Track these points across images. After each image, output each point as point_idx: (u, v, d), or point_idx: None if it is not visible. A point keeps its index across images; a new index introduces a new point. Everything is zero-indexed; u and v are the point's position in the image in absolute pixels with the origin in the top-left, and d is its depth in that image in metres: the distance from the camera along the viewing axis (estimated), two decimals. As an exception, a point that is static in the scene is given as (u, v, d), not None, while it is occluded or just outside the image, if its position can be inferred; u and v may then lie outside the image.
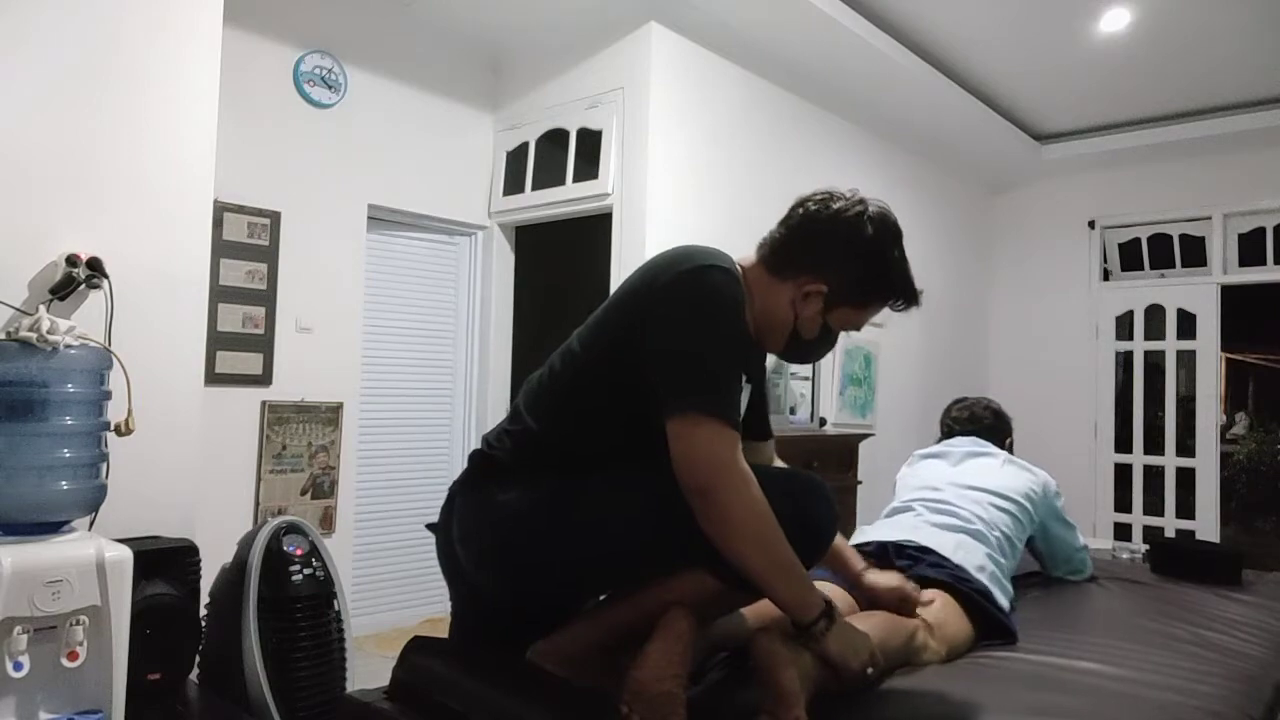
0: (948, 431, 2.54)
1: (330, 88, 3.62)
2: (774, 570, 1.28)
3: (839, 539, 1.73)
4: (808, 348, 1.52)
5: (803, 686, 1.23)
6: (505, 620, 1.49)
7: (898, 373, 5.28)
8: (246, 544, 2.24)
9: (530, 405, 1.44)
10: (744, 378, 1.41)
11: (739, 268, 1.45)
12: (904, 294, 1.49)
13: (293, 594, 2.18)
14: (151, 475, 2.23)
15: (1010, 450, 2.47)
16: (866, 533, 2.09)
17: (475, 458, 1.47)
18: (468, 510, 1.44)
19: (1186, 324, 5.61)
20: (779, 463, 1.72)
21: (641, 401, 1.32)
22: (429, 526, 1.53)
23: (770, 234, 1.50)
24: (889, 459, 4.85)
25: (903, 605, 1.64)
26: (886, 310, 1.52)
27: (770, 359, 1.66)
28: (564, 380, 1.43)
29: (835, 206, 1.45)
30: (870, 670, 1.36)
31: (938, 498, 2.11)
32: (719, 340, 1.31)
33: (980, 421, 2.49)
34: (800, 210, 1.48)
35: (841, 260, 1.44)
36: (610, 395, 1.37)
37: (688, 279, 1.33)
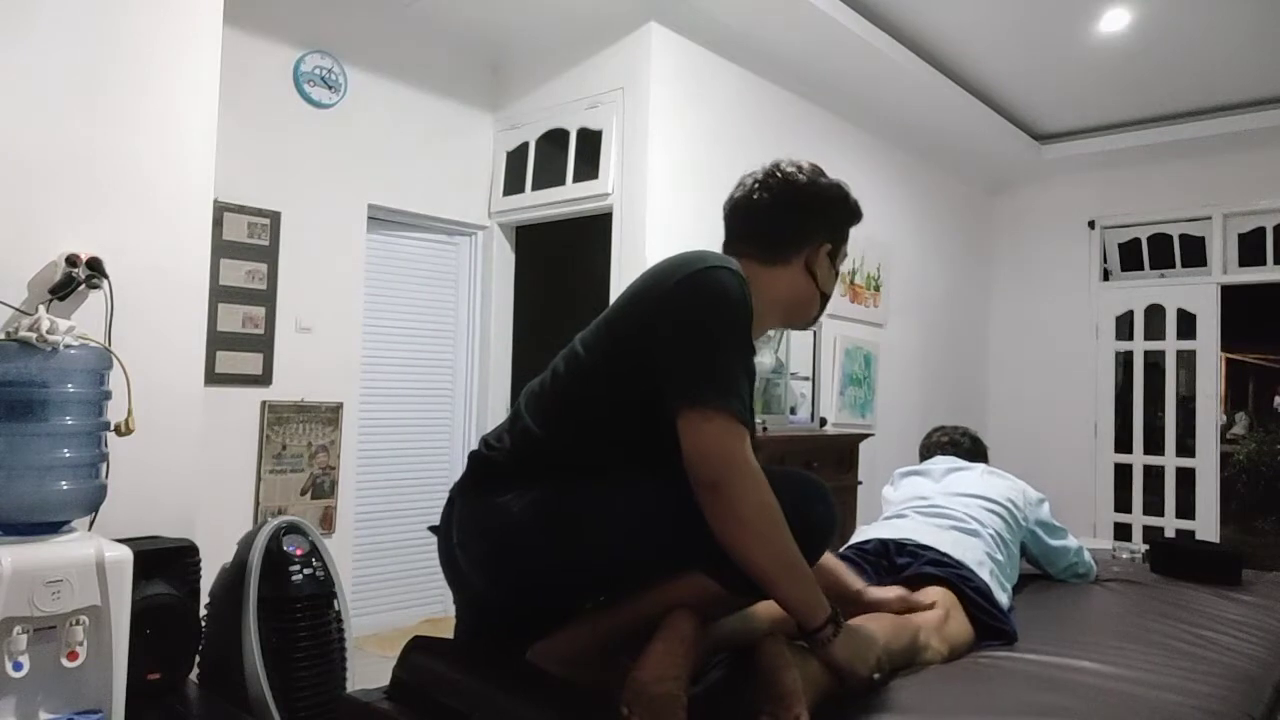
0: (926, 455, 2.63)
1: (330, 88, 3.62)
2: (782, 571, 1.27)
3: (832, 559, 1.73)
4: (825, 301, 1.60)
5: (808, 692, 1.23)
6: (506, 622, 1.49)
7: (898, 373, 5.29)
8: (246, 544, 2.24)
9: (531, 409, 1.43)
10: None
11: None
12: (858, 208, 1.60)
13: (293, 594, 2.18)
14: (151, 475, 2.23)
15: None
16: (865, 531, 2.10)
17: (474, 460, 1.46)
18: (467, 515, 1.43)
19: (1186, 324, 5.61)
20: None
21: (645, 407, 1.31)
22: (431, 529, 1.53)
23: (737, 235, 1.54)
24: (889, 459, 4.85)
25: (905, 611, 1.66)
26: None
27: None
28: (567, 384, 1.41)
29: (774, 183, 1.52)
30: (876, 675, 1.36)
31: (929, 503, 2.14)
32: (732, 338, 1.32)
33: (959, 445, 2.61)
34: (751, 204, 1.53)
35: (819, 215, 1.54)
36: (614, 400, 1.36)
37: (700, 279, 1.34)
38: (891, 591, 1.70)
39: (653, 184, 3.66)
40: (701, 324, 1.31)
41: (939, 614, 1.69)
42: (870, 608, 1.64)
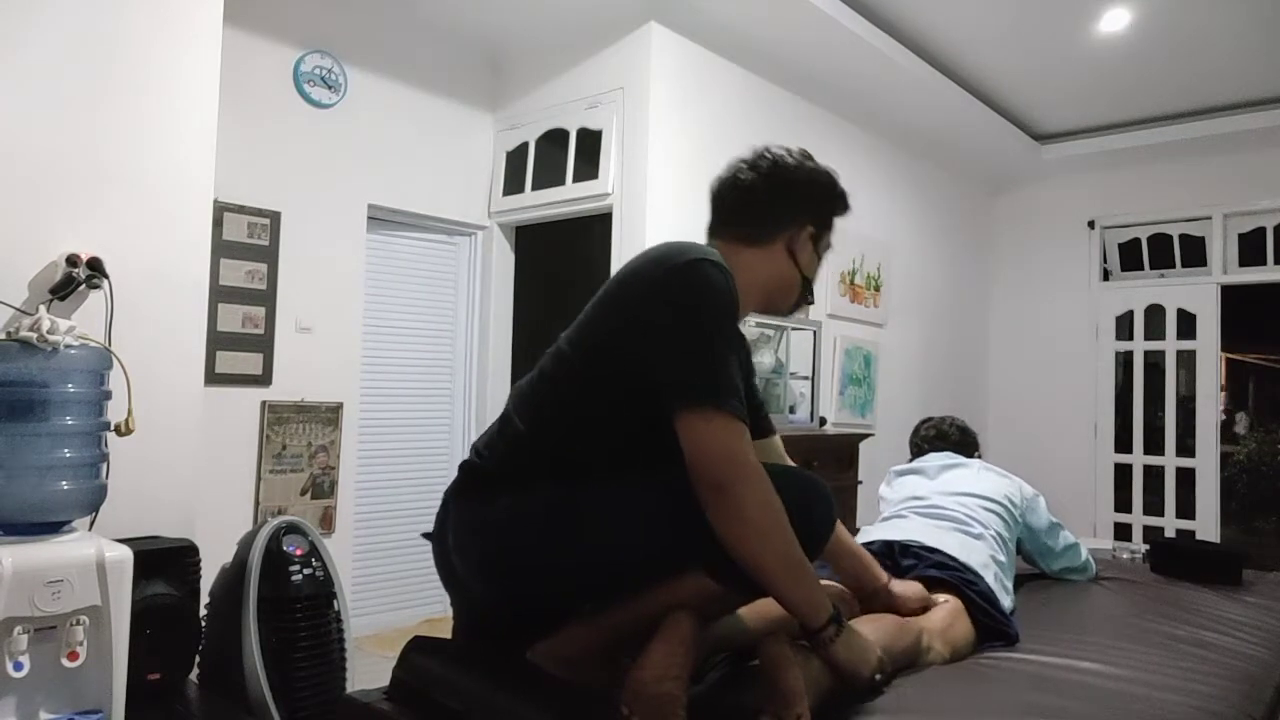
0: (918, 450, 2.61)
1: (330, 88, 3.62)
2: (786, 570, 1.27)
3: (860, 549, 1.73)
4: (810, 288, 1.59)
5: (810, 692, 1.22)
6: (504, 625, 1.49)
7: (898, 373, 5.28)
8: (246, 544, 2.24)
9: (521, 410, 1.42)
10: None
11: None
12: (846, 198, 1.60)
13: (293, 594, 2.18)
14: (151, 475, 2.23)
15: None
16: (869, 533, 2.09)
17: (466, 468, 1.45)
18: (462, 520, 1.42)
19: (1186, 324, 5.61)
20: (788, 460, 1.72)
21: (635, 402, 1.30)
22: (425, 535, 1.52)
23: (722, 218, 1.55)
24: (889, 459, 4.84)
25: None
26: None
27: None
28: (554, 383, 1.40)
29: (764, 165, 1.53)
30: (878, 676, 1.36)
31: (927, 504, 2.12)
32: (722, 334, 1.31)
33: (948, 438, 2.58)
34: (738, 184, 1.53)
35: (804, 198, 1.54)
36: (603, 396, 1.36)
37: (685, 273, 1.32)
38: (913, 588, 1.71)
39: (653, 184, 3.66)
40: (692, 322, 1.29)
41: (943, 618, 1.69)
42: (890, 600, 1.67)
